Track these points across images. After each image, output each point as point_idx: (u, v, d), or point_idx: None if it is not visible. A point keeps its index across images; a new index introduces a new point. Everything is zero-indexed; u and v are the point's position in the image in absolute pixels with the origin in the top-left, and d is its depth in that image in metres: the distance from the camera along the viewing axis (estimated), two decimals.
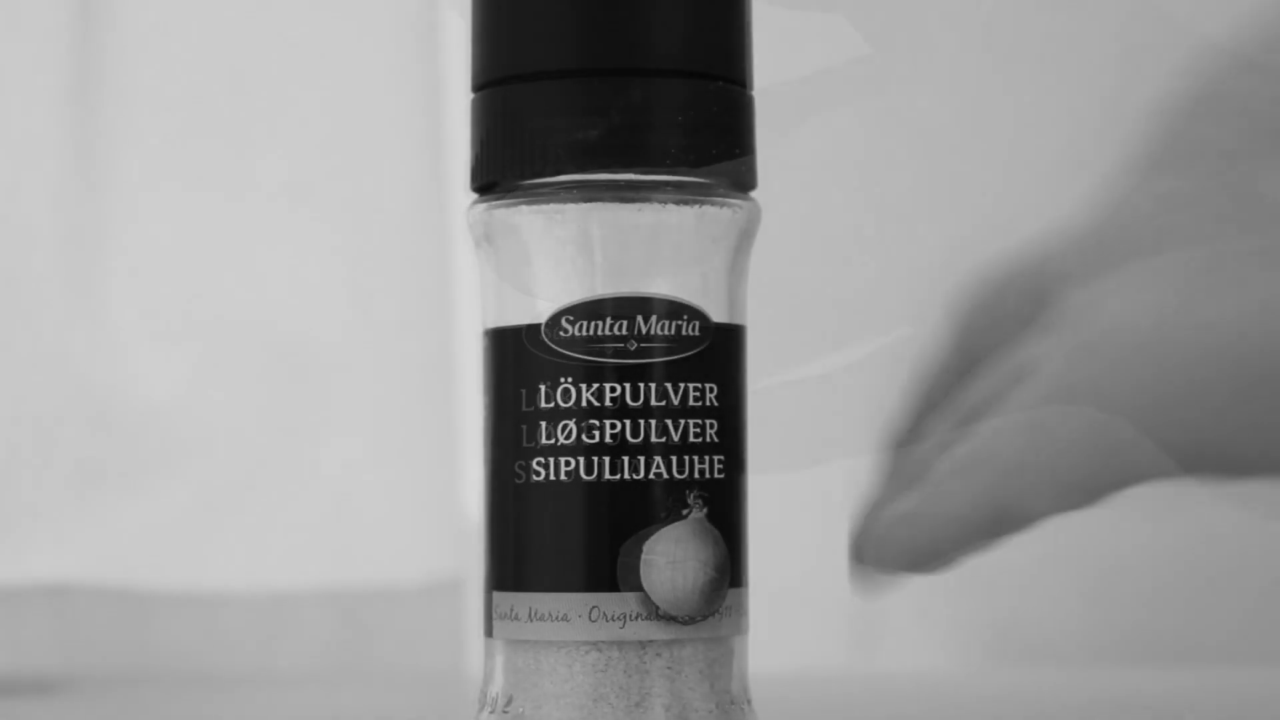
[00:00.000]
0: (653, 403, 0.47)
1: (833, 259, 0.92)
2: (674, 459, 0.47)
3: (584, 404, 0.47)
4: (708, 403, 0.48)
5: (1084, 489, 0.45)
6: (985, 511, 0.45)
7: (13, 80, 0.84)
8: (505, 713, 0.48)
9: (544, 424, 0.47)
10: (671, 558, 0.47)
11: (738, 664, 0.49)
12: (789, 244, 0.87)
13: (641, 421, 0.47)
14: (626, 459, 0.47)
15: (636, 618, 0.47)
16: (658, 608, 0.47)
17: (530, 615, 0.47)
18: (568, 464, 0.47)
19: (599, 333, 0.47)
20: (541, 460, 0.47)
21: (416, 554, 0.87)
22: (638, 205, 0.47)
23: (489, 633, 0.49)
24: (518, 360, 0.48)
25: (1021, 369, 0.46)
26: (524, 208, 0.48)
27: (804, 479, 0.91)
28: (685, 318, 0.48)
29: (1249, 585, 0.87)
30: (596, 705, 0.47)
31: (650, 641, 0.47)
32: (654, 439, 0.47)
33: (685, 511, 0.47)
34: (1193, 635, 0.88)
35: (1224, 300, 0.44)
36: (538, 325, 0.48)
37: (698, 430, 0.48)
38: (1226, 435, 0.44)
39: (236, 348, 0.85)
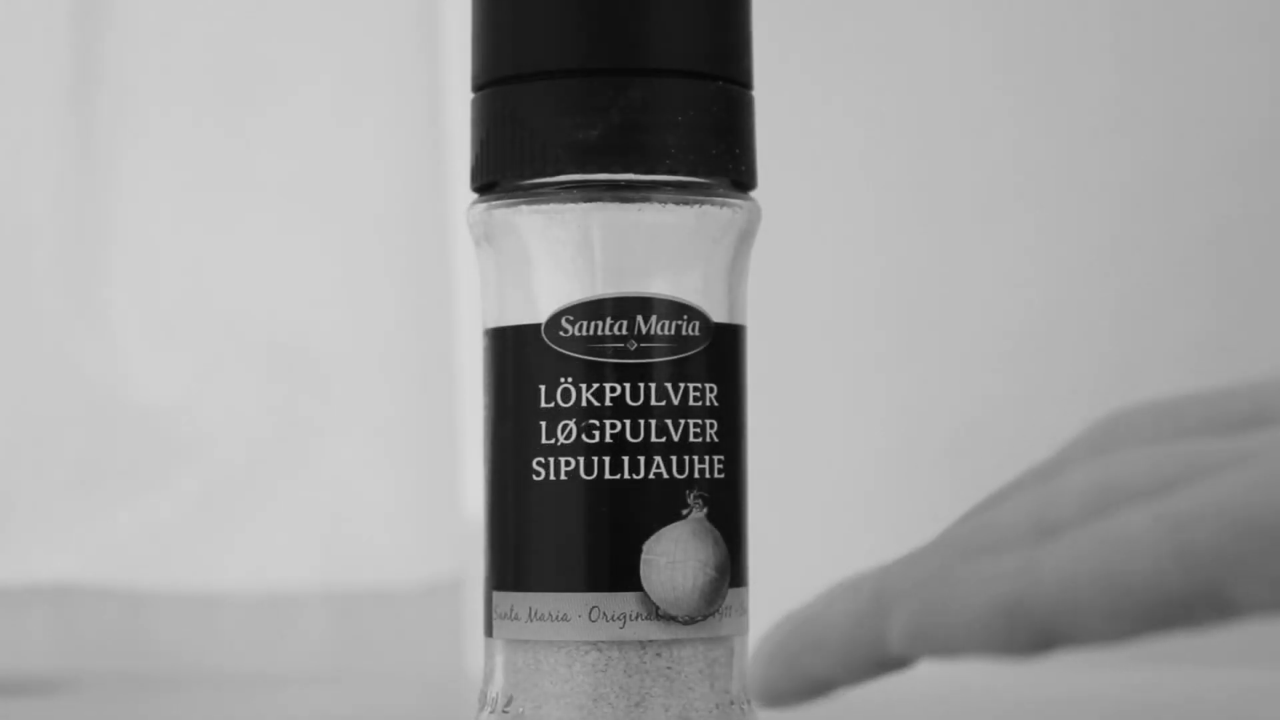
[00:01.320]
0: (653, 402, 0.47)
1: (833, 259, 0.92)
2: (674, 459, 0.47)
3: (584, 404, 0.47)
4: (708, 403, 0.48)
5: None
6: (1181, 587, 0.31)
7: (13, 80, 0.83)
8: (505, 713, 0.48)
9: (544, 424, 0.47)
10: (671, 558, 0.47)
11: (738, 664, 0.48)
12: (789, 244, 0.88)
13: (641, 421, 0.47)
14: (626, 459, 0.47)
15: (636, 618, 0.47)
16: (657, 608, 0.47)
17: (530, 615, 0.47)
18: (568, 464, 0.47)
19: (599, 333, 0.47)
20: (541, 460, 0.47)
21: (416, 554, 0.86)
22: (638, 205, 0.47)
23: (489, 633, 0.49)
24: (518, 360, 0.48)
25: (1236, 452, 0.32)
26: (524, 208, 0.48)
27: (806, 479, 0.91)
28: (685, 318, 0.48)
29: None
30: (596, 705, 0.47)
31: (650, 641, 0.47)
32: (654, 439, 0.47)
33: (685, 511, 0.47)
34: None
35: None
36: (538, 325, 0.48)
37: (698, 430, 0.48)
38: None
39: (237, 348, 0.85)
